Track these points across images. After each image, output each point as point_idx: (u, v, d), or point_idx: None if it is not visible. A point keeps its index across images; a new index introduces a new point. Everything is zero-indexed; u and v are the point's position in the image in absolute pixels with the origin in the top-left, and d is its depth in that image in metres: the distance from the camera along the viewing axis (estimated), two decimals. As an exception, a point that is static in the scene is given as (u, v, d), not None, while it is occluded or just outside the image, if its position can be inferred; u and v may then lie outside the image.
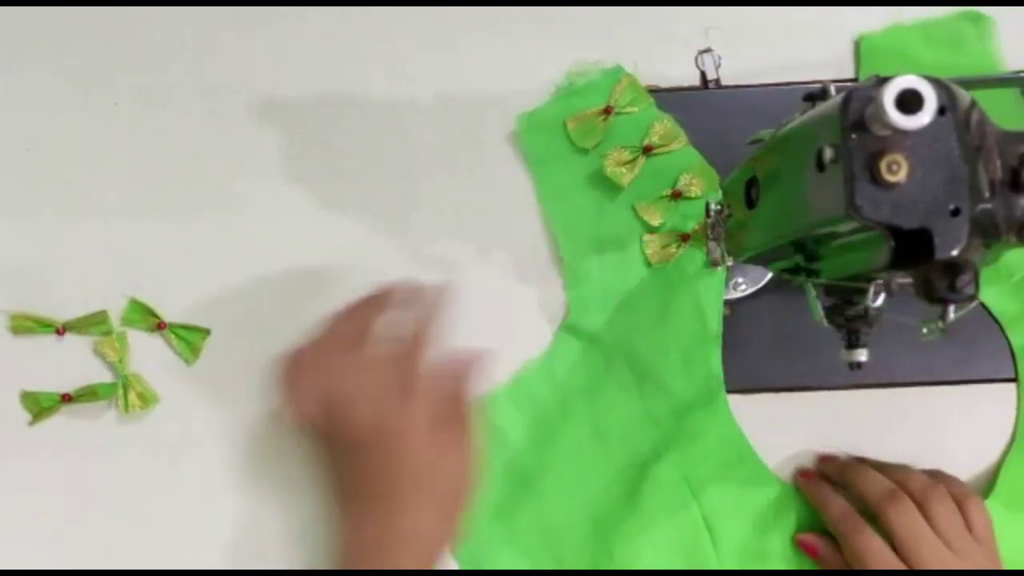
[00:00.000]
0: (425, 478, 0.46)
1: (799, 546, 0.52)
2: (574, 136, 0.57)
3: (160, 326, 0.56)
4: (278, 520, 0.55)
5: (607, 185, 0.56)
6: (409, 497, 0.46)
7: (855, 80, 0.58)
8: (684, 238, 0.56)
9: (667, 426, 0.54)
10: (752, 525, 0.53)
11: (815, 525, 0.53)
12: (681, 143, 0.56)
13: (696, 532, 0.53)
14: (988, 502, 0.51)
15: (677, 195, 0.56)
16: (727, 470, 0.54)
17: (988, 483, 0.54)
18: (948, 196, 0.31)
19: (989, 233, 0.32)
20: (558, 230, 0.57)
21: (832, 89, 0.37)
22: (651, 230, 0.56)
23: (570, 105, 0.57)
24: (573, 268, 0.56)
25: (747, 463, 0.54)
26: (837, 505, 0.51)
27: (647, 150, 0.56)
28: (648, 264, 0.56)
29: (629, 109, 0.57)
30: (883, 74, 0.31)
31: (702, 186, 0.56)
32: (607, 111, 0.57)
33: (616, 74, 0.57)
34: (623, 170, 0.56)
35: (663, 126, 0.56)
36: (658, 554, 0.53)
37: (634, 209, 0.56)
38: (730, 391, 0.55)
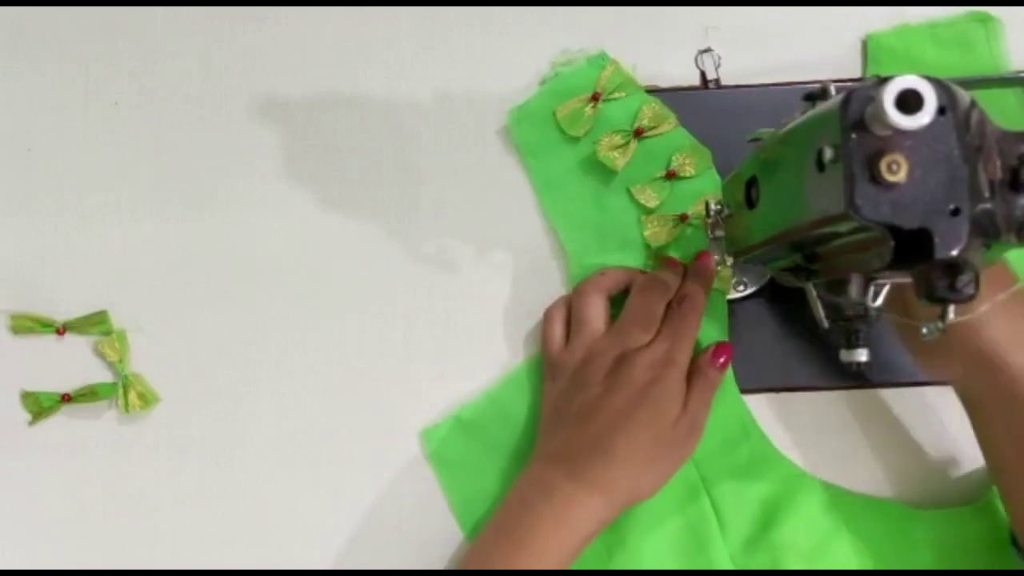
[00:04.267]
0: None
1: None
2: (564, 124, 0.57)
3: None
4: (279, 520, 0.55)
5: (601, 171, 0.57)
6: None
7: (856, 80, 0.58)
8: (682, 218, 0.56)
9: None
10: (757, 501, 0.53)
11: (823, 505, 0.52)
12: (671, 124, 0.57)
13: (700, 510, 0.53)
14: (992, 499, 0.51)
15: (671, 175, 0.56)
16: (732, 446, 0.54)
17: (989, 482, 0.53)
18: (948, 196, 0.31)
19: (989, 233, 0.32)
20: (557, 221, 0.57)
21: (832, 89, 0.37)
22: (648, 212, 0.56)
23: (558, 95, 0.57)
24: (576, 257, 0.56)
25: (752, 439, 0.54)
26: None
27: (638, 133, 0.56)
28: (648, 246, 0.56)
29: (617, 95, 0.57)
30: (887, 74, 0.31)
31: (695, 165, 0.56)
32: (595, 98, 0.57)
33: (601, 61, 0.58)
34: (616, 154, 0.56)
35: (652, 109, 0.56)
36: (664, 532, 0.53)
37: (629, 192, 0.56)
38: (730, 391, 0.55)
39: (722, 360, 0.51)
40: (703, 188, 0.56)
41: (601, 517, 0.47)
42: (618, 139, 0.56)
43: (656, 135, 0.56)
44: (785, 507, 0.52)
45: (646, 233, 0.56)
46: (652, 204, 0.56)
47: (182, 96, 0.60)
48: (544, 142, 0.57)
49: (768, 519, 0.52)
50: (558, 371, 0.52)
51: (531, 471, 0.50)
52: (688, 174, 0.56)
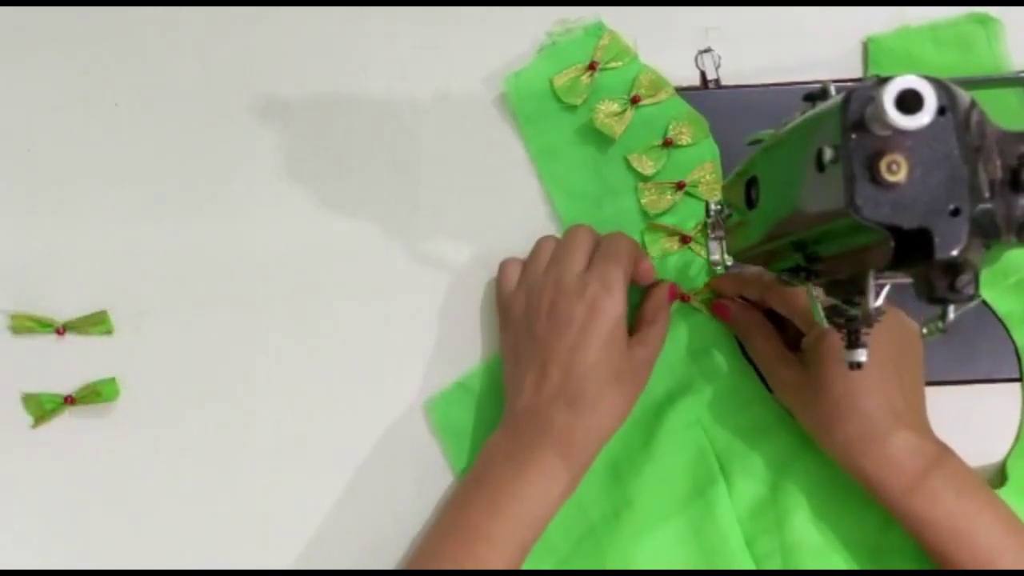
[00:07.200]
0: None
1: (713, 312, 0.55)
2: (561, 93, 0.57)
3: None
4: (281, 519, 0.55)
5: (598, 139, 0.57)
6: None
7: (856, 80, 0.58)
8: (679, 186, 0.56)
9: (679, 371, 0.55)
10: (765, 466, 0.53)
11: (829, 466, 0.51)
12: (668, 93, 0.57)
13: (708, 472, 0.53)
14: (1001, 493, 0.51)
15: (668, 143, 0.56)
16: (740, 412, 0.54)
17: (996, 477, 0.53)
18: (948, 196, 0.31)
19: (989, 233, 0.32)
20: (553, 188, 0.57)
21: (832, 89, 0.37)
22: (645, 179, 0.57)
23: (555, 63, 0.58)
24: (570, 224, 0.56)
25: (759, 405, 0.54)
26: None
27: (635, 101, 0.56)
28: (645, 214, 0.56)
29: (613, 64, 0.57)
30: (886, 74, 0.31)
31: (692, 133, 0.56)
32: (592, 67, 0.57)
33: (598, 31, 0.58)
34: (613, 121, 0.56)
35: (648, 77, 0.57)
36: (672, 495, 0.53)
37: (626, 160, 0.57)
38: (731, 391, 0.55)
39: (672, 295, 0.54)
40: (700, 156, 0.56)
41: (566, 484, 0.48)
42: (615, 106, 0.56)
43: (653, 103, 0.57)
44: (793, 467, 0.53)
45: (643, 201, 0.56)
46: (649, 172, 0.56)
47: (182, 96, 0.60)
48: (541, 110, 0.58)
49: (776, 479, 0.53)
50: (507, 317, 0.53)
51: (503, 433, 0.50)
52: (685, 142, 0.56)
